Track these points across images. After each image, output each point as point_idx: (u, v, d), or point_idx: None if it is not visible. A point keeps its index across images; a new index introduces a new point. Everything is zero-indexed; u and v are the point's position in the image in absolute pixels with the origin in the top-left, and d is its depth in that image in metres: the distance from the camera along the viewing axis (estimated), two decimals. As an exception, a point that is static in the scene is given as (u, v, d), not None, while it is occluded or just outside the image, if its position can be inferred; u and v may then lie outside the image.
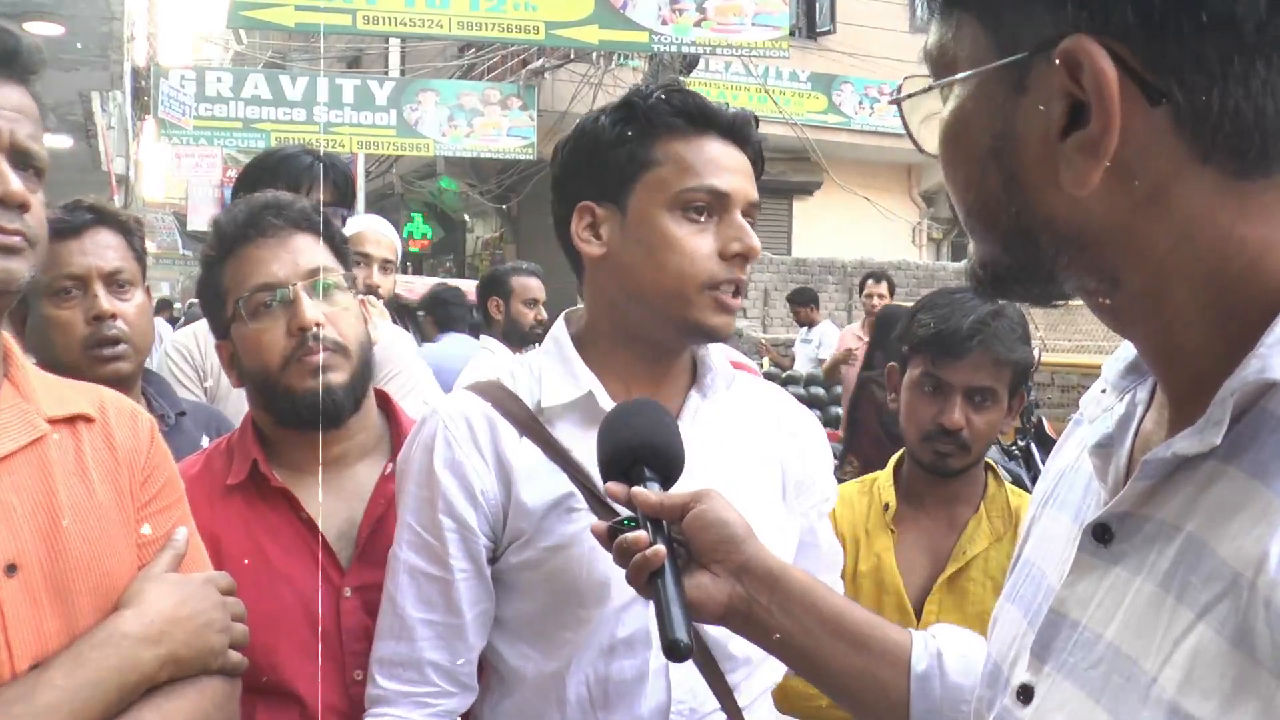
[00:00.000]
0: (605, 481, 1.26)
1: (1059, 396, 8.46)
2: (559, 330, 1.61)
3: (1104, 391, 0.90)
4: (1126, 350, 0.89)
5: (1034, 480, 4.10)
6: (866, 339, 7.48)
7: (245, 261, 1.69)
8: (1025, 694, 0.83)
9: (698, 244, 1.47)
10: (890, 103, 0.86)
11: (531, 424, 1.52)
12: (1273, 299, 0.70)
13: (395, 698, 1.51)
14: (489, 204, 18.14)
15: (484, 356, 5.10)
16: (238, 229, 1.70)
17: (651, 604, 1.45)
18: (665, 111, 1.49)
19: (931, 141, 0.83)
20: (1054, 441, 3.66)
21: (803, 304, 10.42)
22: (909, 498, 2.16)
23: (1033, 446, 6.54)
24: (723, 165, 1.49)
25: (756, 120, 1.57)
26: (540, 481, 1.49)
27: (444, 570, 1.50)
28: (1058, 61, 0.70)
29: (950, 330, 1.99)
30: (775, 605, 1.17)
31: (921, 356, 2.06)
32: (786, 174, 16.28)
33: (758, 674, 1.55)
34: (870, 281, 8.50)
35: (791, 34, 14.47)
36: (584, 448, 1.49)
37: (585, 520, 1.46)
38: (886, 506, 2.14)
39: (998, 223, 0.78)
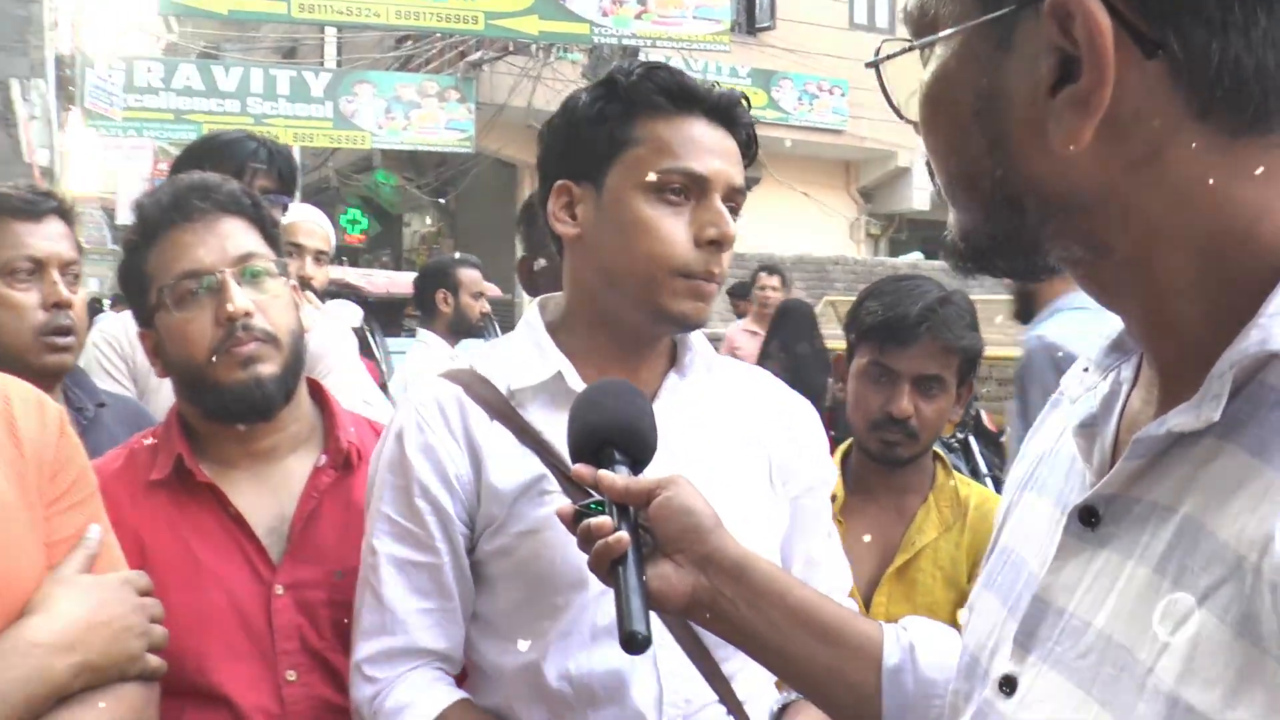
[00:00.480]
0: (574, 463, 1.22)
1: (996, 390, 8.56)
2: (532, 314, 1.58)
3: (1086, 370, 0.86)
4: (1110, 326, 0.86)
5: (973, 473, 4.11)
6: (759, 333, 7.43)
7: (170, 247, 1.61)
8: (1008, 685, 0.79)
9: (671, 227, 1.42)
10: (868, 66, 0.82)
11: (502, 406, 1.48)
12: (1269, 266, 0.67)
13: (396, 680, 1.45)
14: (426, 198, 17.99)
15: (419, 350, 5.02)
16: (162, 212, 1.62)
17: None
18: (647, 89, 1.45)
19: (912, 107, 0.79)
20: (992, 434, 3.68)
21: (742, 298, 10.41)
22: (856, 488, 2.13)
23: (971, 439, 6.61)
24: (704, 147, 1.44)
25: (748, 102, 1.53)
26: (511, 464, 1.45)
27: (431, 555, 1.47)
28: (1047, 13, 0.67)
29: (898, 317, 1.97)
30: (740, 598, 1.13)
31: (869, 345, 2.04)
32: (726, 169, 16.28)
33: (754, 664, 1.51)
34: (763, 274, 8.42)
35: (731, 29, 14.50)
36: (555, 429, 1.45)
37: (558, 503, 1.40)
38: (834, 497, 2.12)
39: (981, 188, 0.74)
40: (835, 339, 9.64)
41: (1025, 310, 4.10)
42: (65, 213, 2.07)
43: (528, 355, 1.52)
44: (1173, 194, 0.68)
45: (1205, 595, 0.64)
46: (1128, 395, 0.81)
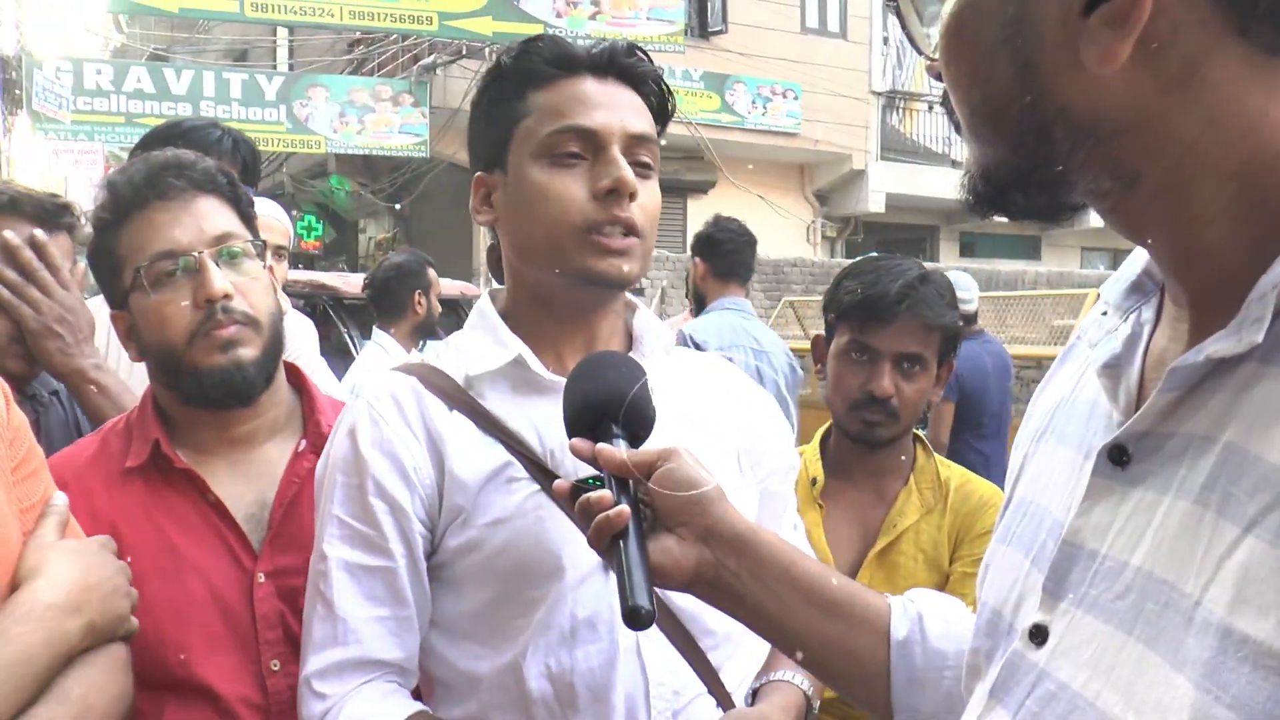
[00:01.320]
0: (570, 437, 1.18)
1: (954, 386, 8.64)
2: (484, 304, 1.53)
3: (1105, 314, 0.85)
4: (1127, 269, 0.85)
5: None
6: None
7: (144, 226, 1.56)
8: (1039, 635, 0.77)
9: (566, 187, 1.38)
10: (887, 4, 0.81)
11: (460, 395, 1.43)
12: None
13: (348, 695, 1.38)
14: (381, 203, 17.87)
15: (374, 352, 4.86)
16: (135, 190, 1.57)
17: (612, 576, 1.37)
18: (528, 62, 1.42)
19: (932, 42, 0.78)
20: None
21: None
22: (836, 471, 2.12)
23: (923, 434, 6.65)
24: (590, 103, 1.39)
25: (644, 53, 1.47)
26: (474, 453, 1.40)
27: (385, 558, 1.39)
28: None
29: (878, 295, 1.96)
30: (745, 571, 1.10)
31: (848, 324, 2.02)
32: (681, 173, 16.36)
33: (741, 651, 1.47)
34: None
35: (684, 33, 14.53)
36: (517, 415, 1.42)
37: (525, 491, 1.37)
38: (814, 481, 2.11)
39: (1008, 119, 0.73)
40: (794, 340, 9.69)
41: (697, 306, 4.51)
42: (74, 229, 2.02)
43: (484, 343, 1.47)
44: (1208, 116, 0.67)
45: (1254, 521, 0.63)
46: (1150, 336, 0.80)
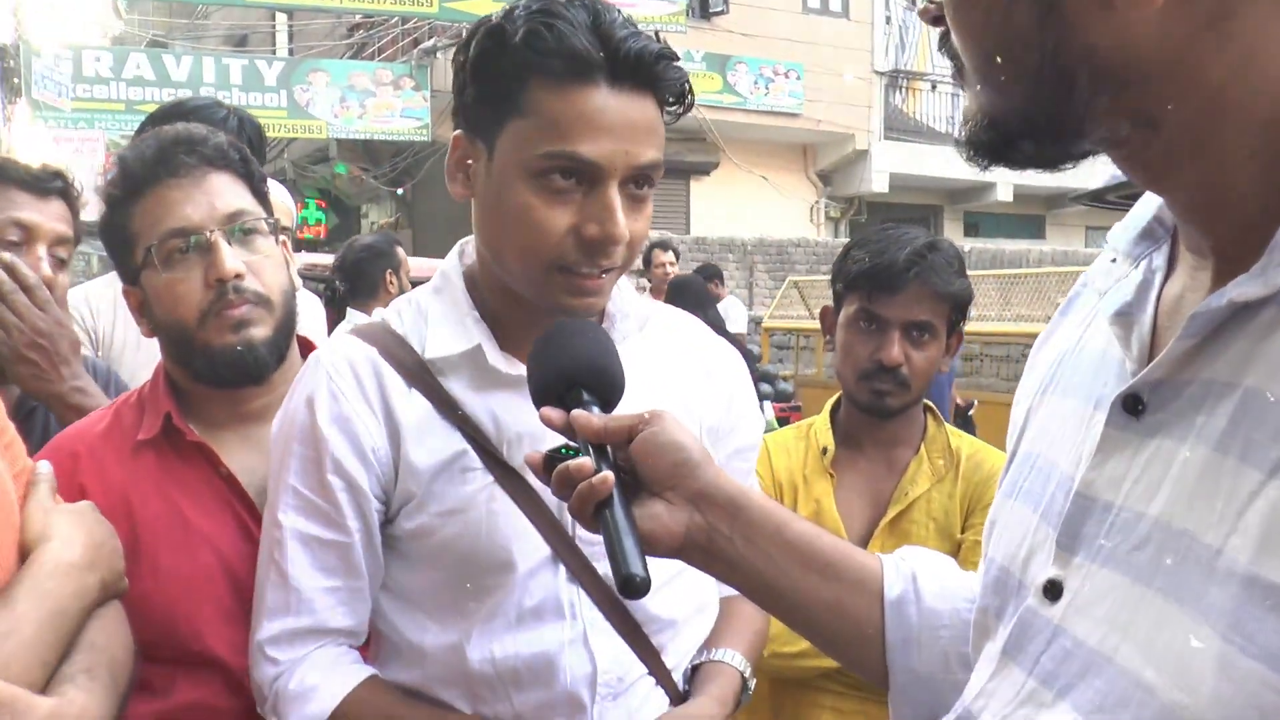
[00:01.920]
0: (539, 407, 1.15)
1: (962, 365, 8.65)
2: (450, 266, 1.46)
3: (1114, 261, 0.83)
4: (1136, 215, 0.83)
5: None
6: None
7: (156, 203, 1.54)
8: (1052, 591, 0.76)
9: (551, 219, 1.26)
10: None
11: (419, 373, 1.38)
12: None
13: (299, 661, 1.39)
14: (383, 188, 17.87)
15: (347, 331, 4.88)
16: (146, 167, 1.55)
17: (562, 568, 1.37)
18: (537, 50, 1.24)
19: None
20: (960, 408, 3.75)
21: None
22: (847, 441, 2.12)
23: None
24: (600, 124, 1.24)
25: (672, 55, 1.31)
26: (431, 438, 1.37)
27: (340, 533, 1.38)
28: None
29: (886, 264, 1.96)
30: (737, 534, 1.07)
31: (857, 293, 2.01)
32: (683, 154, 16.34)
33: (684, 633, 1.46)
34: (657, 250, 8.60)
35: (685, 14, 14.49)
36: (476, 401, 1.38)
37: (480, 481, 1.36)
38: (825, 451, 2.11)
39: (1027, 65, 0.70)
40: (801, 319, 9.68)
41: None
42: (70, 196, 2.01)
43: (447, 318, 1.41)
44: (1239, 59, 0.65)
45: (1278, 466, 0.61)
46: (1162, 284, 0.79)
